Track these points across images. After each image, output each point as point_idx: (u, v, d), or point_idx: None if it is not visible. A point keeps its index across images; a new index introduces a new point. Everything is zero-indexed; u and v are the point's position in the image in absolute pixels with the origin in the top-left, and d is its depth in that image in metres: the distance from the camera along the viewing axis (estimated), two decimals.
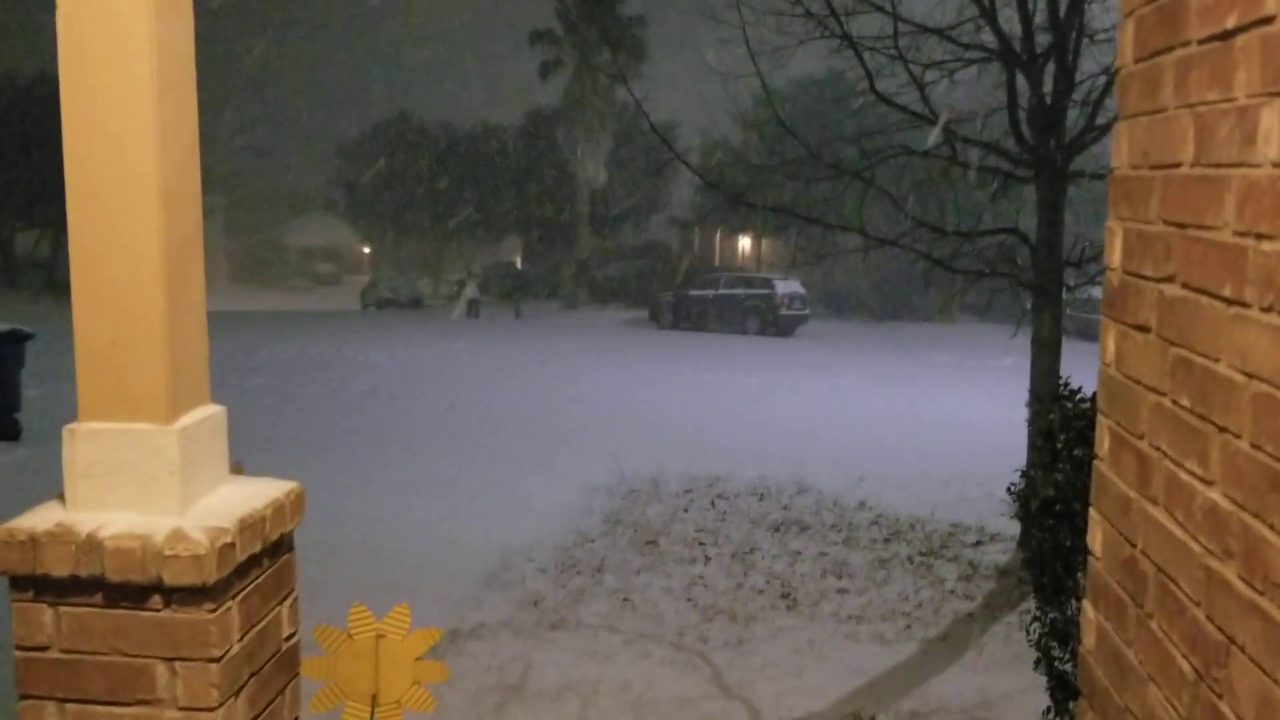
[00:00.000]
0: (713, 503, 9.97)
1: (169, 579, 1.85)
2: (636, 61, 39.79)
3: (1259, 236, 1.46)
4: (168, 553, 1.85)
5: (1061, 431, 4.03)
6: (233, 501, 2.04)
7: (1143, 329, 1.91)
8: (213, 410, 2.11)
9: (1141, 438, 1.91)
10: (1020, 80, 7.37)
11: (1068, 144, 7.31)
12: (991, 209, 9.22)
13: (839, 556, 8.25)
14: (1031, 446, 6.99)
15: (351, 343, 25.41)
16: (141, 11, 1.85)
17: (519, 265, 48.61)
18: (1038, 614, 4.19)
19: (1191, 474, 1.68)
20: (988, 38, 7.65)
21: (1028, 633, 4.29)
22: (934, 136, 7.65)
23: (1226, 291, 1.56)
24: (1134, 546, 1.94)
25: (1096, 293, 27.05)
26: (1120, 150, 2.04)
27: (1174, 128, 1.77)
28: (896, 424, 14.79)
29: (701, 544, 8.57)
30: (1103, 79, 7.55)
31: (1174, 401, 1.76)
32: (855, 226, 7.65)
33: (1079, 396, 4.15)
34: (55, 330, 8.55)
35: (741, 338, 29.15)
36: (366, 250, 64.77)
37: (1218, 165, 1.60)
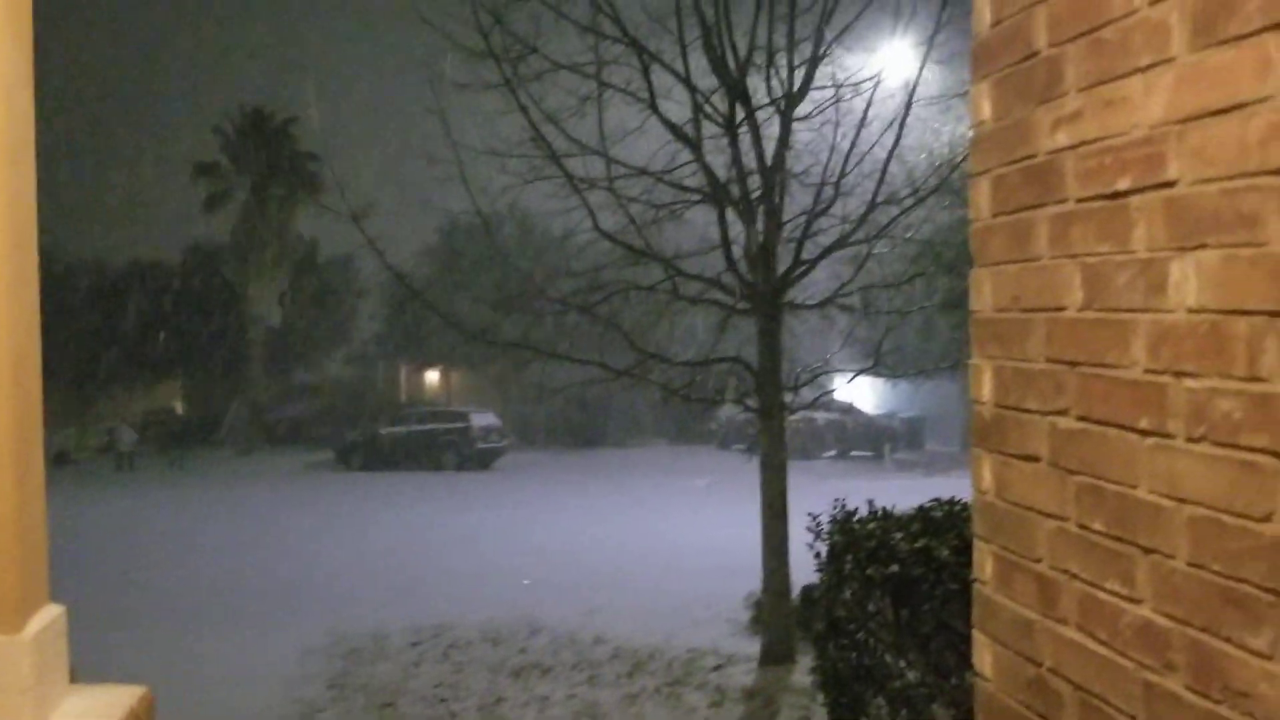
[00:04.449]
0: (445, 654, 9.54)
1: None
2: (311, 194, 38.98)
3: (1179, 375, 1.62)
4: None
5: (846, 553, 4.22)
6: (88, 717, 1.70)
7: (1031, 459, 2.05)
8: (56, 611, 1.76)
9: (1039, 561, 2.03)
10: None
11: (780, 278, 7.93)
12: (720, 340, 9.76)
13: (588, 697, 8.10)
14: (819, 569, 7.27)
15: None
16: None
17: (179, 410, 45.14)
18: None
19: (1114, 594, 1.80)
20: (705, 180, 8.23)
21: None
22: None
23: (1143, 424, 1.70)
24: (1038, 666, 2.04)
25: (818, 416, 28.64)
26: (982, 294, 2.22)
27: (1055, 276, 1.95)
28: (613, 552, 14.95)
29: (443, 700, 8.14)
30: (804, 219, 8.31)
31: (1082, 526, 1.89)
32: (594, 359, 7.84)
33: (857, 518, 4.38)
34: None
35: (439, 474, 28.52)
36: None
37: (1118, 310, 1.76)
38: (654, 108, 8.14)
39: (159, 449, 37.76)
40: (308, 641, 10.04)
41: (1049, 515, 1.99)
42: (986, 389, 2.22)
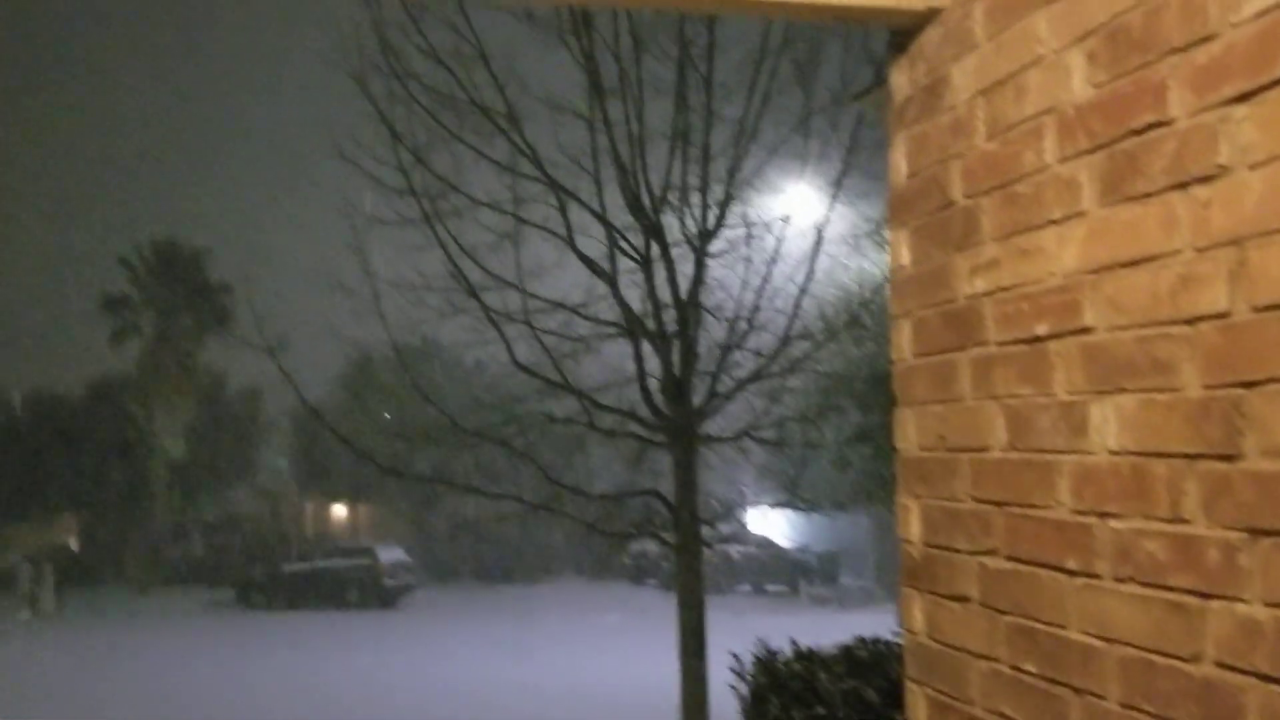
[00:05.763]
0: None
1: None
2: (221, 326, 38.43)
3: (1104, 515, 1.65)
4: None
5: (770, 694, 4.14)
6: None
7: (961, 599, 2.05)
8: None
9: (972, 704, 2.01)
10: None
11: (695, 411, 8.01)
12: (636, 472, 9.75)
13: None
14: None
15: None
16: None
17: (73, 546, 42.98)
18: None
19: None
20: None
21: None
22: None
23: (1071, 564, 1.72)
24: None
25: (733, 549, 28.43)
26: (907, 433, 2.25)
27: (978, 416, 1.99)
28: (524, 695, 14.47)
29: None
30: (719, 352, 8.47)
31: (1014, 668, 1.88)
32: (513, 494, 7.74)
33: (782, 658, 4.31)
34: None
35: (342, 613, 27.41)
36: None
37: (1042, 451, 1.80)
38: (571, 244, 8.30)
39: (53, 588, 35.70)
40: None
41: (981, 656, 1.99)
42: (915, 528, 2.23)
